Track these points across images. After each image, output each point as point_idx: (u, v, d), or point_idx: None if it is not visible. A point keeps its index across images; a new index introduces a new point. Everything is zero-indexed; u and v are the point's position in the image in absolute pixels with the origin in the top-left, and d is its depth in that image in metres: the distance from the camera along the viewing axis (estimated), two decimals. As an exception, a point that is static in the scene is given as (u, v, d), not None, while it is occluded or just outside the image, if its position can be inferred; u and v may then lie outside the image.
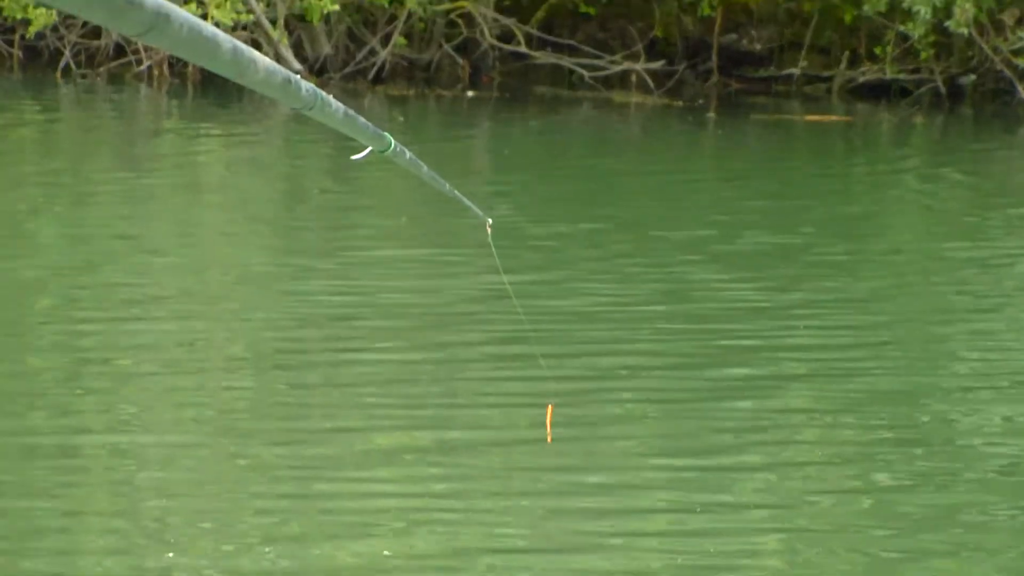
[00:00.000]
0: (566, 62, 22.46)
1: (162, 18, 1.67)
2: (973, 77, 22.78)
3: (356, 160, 3.35)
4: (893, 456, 7.46)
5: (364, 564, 6.11)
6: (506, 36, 22.42)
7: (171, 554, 5.99)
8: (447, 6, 22.10)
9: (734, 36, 23.38)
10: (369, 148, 3.23)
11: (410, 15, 21.61)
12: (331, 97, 2.68)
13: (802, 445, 7.65)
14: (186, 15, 1.77)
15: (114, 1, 1.52)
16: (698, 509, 6.73)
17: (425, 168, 3.78)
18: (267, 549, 6.07)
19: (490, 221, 4.60)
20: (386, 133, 3.23)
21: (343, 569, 6.06)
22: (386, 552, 6.18)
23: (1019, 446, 7.81)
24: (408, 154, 3.47)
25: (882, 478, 7.23)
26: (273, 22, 20.34)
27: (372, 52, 21.78)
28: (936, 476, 7.23)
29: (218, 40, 1.92)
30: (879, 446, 7.61)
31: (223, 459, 7.17)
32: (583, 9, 23.11)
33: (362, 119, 3.01)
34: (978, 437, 7.84)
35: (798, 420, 7.98)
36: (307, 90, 2.48)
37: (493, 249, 4.85)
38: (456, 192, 4.15)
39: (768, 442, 7.58)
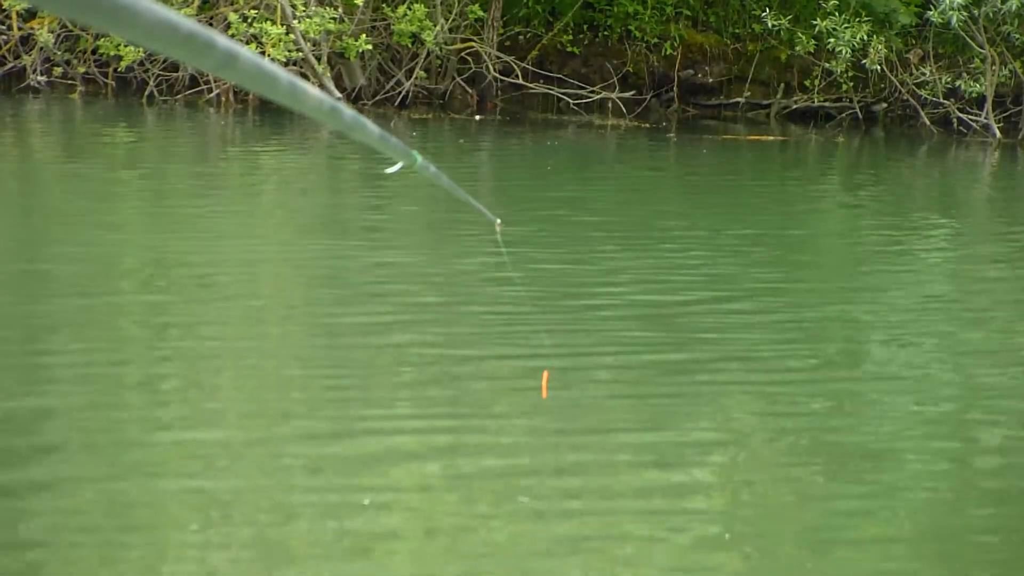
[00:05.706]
0: (555, 92, 22.40)
1: (232, 57, 1.64)
2: (884, 105, 22.74)
3: (389, 172, 3.28)
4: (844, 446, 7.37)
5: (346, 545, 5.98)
6: (507, 70, 22.36)
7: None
8: (459, 46, 22.03)
9: (691, 71, 23.31)
10: (400, 163, 3.16)
11: (429, 53, 21.57)
12: (369, 120, 2.62)
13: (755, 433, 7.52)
14: (251, 54, 1.73)
15: (195, 43, 1.51)
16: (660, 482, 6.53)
17: (445, 178, 3.71)
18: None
19: (499, 221, 4.55)
20: (414, 150, 3.16)
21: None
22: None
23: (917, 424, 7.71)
24: (431, 167, 3.41)
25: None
26: (318, 59, 20.26)
27: (398, 83, 21.71)
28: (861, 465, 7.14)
29: (277, 74, 1.88)
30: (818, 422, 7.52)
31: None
32: (569, 49, 23.15)
33: (394, 139, 2.94)
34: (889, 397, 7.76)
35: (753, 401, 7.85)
36: (349, 115, 2.43)
37: (501, 243, 4.81)
38: (470, 198, 4.08)
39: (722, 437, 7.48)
